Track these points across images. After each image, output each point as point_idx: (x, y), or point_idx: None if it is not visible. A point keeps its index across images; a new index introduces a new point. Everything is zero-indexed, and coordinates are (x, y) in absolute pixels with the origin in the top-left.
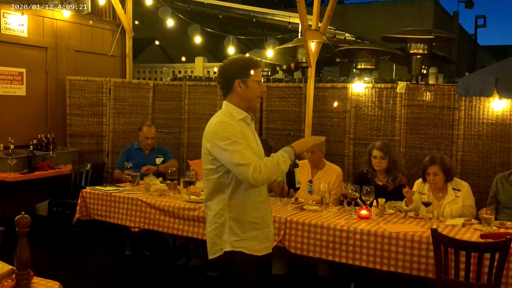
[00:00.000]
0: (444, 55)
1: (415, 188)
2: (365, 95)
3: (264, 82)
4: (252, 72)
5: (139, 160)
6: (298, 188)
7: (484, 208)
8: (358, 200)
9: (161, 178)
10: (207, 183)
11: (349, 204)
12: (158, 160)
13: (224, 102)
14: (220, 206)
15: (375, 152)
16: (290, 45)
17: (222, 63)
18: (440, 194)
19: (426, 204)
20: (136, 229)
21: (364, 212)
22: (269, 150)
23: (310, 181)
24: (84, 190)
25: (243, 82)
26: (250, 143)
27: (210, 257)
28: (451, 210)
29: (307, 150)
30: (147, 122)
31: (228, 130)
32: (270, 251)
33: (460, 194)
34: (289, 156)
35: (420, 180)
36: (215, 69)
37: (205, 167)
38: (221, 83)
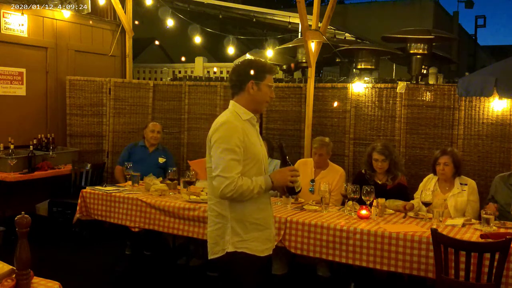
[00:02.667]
0: (444, 55)
1: (422, 184)
2: (365, 95)
3: None
4: (266, 76)
5: (141, 156)
6: (299, 191)
7: (486, 206)
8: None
9: (161, 178)
10: (210, 182)
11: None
12: (161, 160)
13: (232, 102)
14: (223, 207)
15: (377, 156)
16: (290, 45)
17: (238, 62)
18: (446, 188)
19: (426, 204)
20: (136, 229)
21: (364, 212)
22: (271, 150)
23: (312, 181)
24: (84, 190)
25: (256, 84)
26: (254, 143)
27: (211, 257)
28: (455, 202)
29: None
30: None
31: (230, 135)
32: (271, 252)
33: (466, 188)
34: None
35: (427, 177)
36: (215, 69)
37: (208, 165)
38: (233, 81)
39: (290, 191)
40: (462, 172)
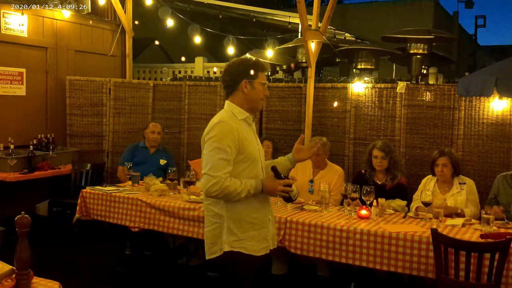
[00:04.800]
0: (444, 55)
1: (421, 185)
2: (365, 95)
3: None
4: (259, 74)
5: (142, 158)
6: (295, 199)
7: (489, 208)
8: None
9: (161, 178)
10: None
11: (349, 204)
12: (162, 162)
13: (227, 102)
14: (219, 206)
15: (376, 152)
16: (290, 45)
17: (229, 63)
18: (446, 188)
19: (426, 204)
20: (136, 229)
21: (364, 212)
22: (275, 151)
23: (311, 181)
24: (84, 190)
25: (249, 82)
26: (250, 141)
27: (209, 257)
28: (455, 202)
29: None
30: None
31: (223, 134)
32: (268, 251)
33: (464, 187)
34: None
35: (426, 178)
36: (215, 69)
37: (203, 164)
38: (226, 82)
39: (285, 199)
40: (461, 171)
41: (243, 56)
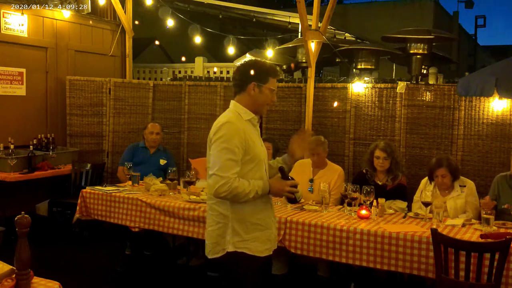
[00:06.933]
0: (444, 55)
1: (421, 186)
2: (365, 95)
3: None
4: (269, 79)
5: (142, 158)
6: (300, 199)
7: (487, 197)
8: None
9: (161, 178)
10: None
11: (349, 204)
12: (162, 162)
13: (232, 102)
14: (224, 206)
15: (378, 153)
16: (290, 45)
17: (243, 62)
18: (446, 191)
19: (426, 204)
20: (136, 229)
21: (364, 212)
22: (276, 152)
23: (311, 180)
24: (84, 190)
25: (258, 86)
26: (255, 143)
27: (211, 256)
28: (455, 204)
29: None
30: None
31: (231, 135)
32: (271, 253)
33: (464, 190)
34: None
35: (426, 178)
36: (215, 69)
37: (208, 165)
38: (236, 80)
39: (290, 200)
40: (461, 172)
41: (252, 57)
